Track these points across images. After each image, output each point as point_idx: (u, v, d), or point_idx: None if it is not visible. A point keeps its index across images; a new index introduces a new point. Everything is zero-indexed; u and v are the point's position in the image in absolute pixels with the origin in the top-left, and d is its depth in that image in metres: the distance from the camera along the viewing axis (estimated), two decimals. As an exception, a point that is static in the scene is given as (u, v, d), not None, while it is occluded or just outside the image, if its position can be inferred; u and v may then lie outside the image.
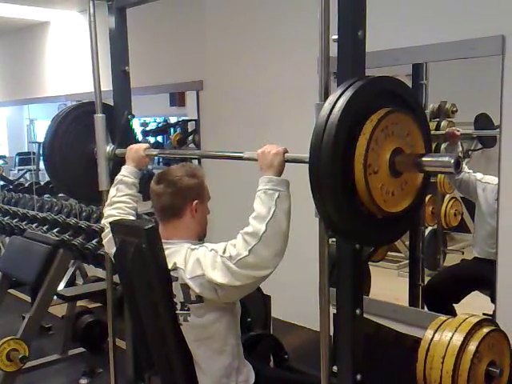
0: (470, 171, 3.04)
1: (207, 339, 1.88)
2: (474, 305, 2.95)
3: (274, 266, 1.72)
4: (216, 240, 1.87)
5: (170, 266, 1.86)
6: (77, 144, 2.47)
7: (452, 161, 1.36)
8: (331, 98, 1.36)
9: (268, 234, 1.67)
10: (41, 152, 7.14)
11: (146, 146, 2.30)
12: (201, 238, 2.06)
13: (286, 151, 1.72)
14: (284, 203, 1.69)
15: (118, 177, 2.26)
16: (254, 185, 1.77)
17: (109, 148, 2.41)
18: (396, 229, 1.53)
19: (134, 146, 2.29)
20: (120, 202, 2.17)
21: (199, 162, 4.51)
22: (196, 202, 1.96)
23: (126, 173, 2.25)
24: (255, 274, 1.72)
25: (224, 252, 1.75)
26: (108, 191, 2.34)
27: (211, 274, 1.75)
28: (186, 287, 1.83)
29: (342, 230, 1.43)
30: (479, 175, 3.01)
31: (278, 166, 1.71)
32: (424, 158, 1.43)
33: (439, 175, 3.22)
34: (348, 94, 1.34)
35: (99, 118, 2.39)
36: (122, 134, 2.45)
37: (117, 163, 2.40)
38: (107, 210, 2.23)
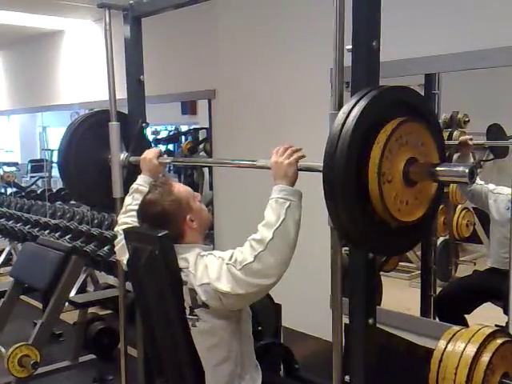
0: (482, 182, 3.02)
1: (213, 347, 1.88)
2: (486, 316, 2.93)
3: (278, 276, 1.72)
4: (225, 246, 1.87)
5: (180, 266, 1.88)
6: (91, 152, 2.49)
7: (467, 170, 1.36)
8: (345, 108, 1.37)
9: (275, 242, 1.68)
10: (55, 159, 7.20)
11: (158, 152, 2.32)
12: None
13: (299, 158, 1.73)
14: (294, 213, 1.70)
15: (134, 186, 2.29)
16: (264, 192, 1.77)
17: (123, 156, 2.43)
18: (409, 238, 1.53)
19: (147, 156, 2.31)
20: (135, 211, 2.16)
21: (210, 170, 4.53)
22: (188, 216, 1.96)
23: (142, 182, 2.28)
24: (259, 282, 1.72)
25: (230, 259, 1.76)
26: (122, 199, 2.36)
27: (216, 283, 1.76)
28: (193, 292, 1.83)
29: (355, 238, 1.43)
30: (491, 186, 3.00)
31: (292, 176, 1.72)
32: (438, 168, 1.43)
33: (451, 186, 3.21)
34: (362, 103, 1.35)
35: (114, 126, 2.42)
36: (136, 142, 2.47)
37: (131, 171, 2.42)
38: (122, 218, 2.25)
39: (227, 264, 1.75)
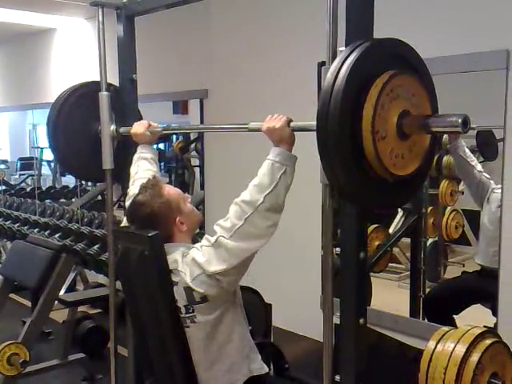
0: (489, 176, 3.02)
1: (216, 333, 1.90)
2: (474, 317, 2.95)
3: (269, 237, 1.75)
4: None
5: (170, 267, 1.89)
6: (81, 123, 2.45)
7: (460, 120, 1.33)
8: (337, 61, 1.34)
9: (265, 206, 1.70)
10: (45, 157, 7.17)
11: (146, 124, 2.30)
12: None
13: (290, 120, 1.72)
14: (288, 179, 1.71)
15: (136, 156, 2.29)
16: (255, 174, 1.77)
17: (113, 127, 2.40)
18: (406, 191, 1.52)
19: (138, 131, 2.28)
20: (142, 178, 2.13)
21: (202, 170, 4.53)
22: (178, 219, 1.96)
23: (143, 149, 2.29)
24: (251, 245, 1.75)
25: (214, 235, 1.78)
26: (112, 170, 2.37)
27: (209, 267, 1.78)
28: (189, 289, 1.84)
29: (351, 194, 1.42)
30: (493, 184, 3.00)
31: (288, 138, 1.72)
32: (431, 119, 1.41)
33: (442, 187, 3.24)
34: (353, 56, 1.32)
35: (104, 96, 2.39)
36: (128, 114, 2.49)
37: (121, 142, 2.43)
38: (132, 189, 2.19)
39: (213, 243, 1.78)
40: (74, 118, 2.43)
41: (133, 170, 2.28)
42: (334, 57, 1.49)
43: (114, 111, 2.43)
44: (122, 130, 2.39)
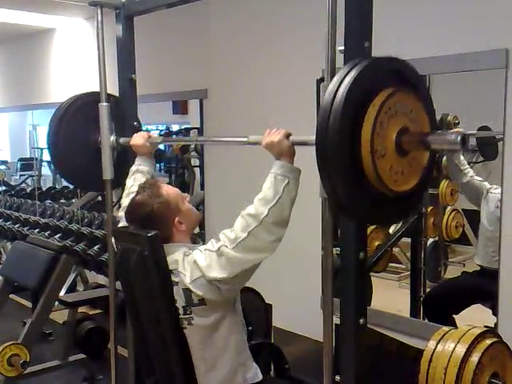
0: (480, 179, 3.03)
1: (212, 338, 1.90)
2: (474, 317, 2.95)
3: (272, 250, 1.75)
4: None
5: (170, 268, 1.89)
6: (81, 133, 2.45)
7: (458, 138, 1.34)
8: (334, 82, 1.34)
9: (269, 219, 1.70)
10: (45, 158, 7.16)
11: (146, 135, 2.31)
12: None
13: (288, 134, 1.73)
14: (292, 191, 1.71)
15: (133, 168, 2.30)
16: (255, 191, 1.77)
17: (113, 137, 2.41)
18: (405, 207, 1.52)
19: (138, 142, 2.30)
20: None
21: (202, 170, 4.53)
22: (176, 219, 1.97)
23: (140, 161, 2.30)
24: (253, 258, 1.75)
25: (218, 243, 1.79)
26: (112, 180, 2.38)
27: (210, 272, 1.78)
28: (188, 291, 1.84)
29: (351, 210, 1.42)
30: (488, 185, 3.01)
31: (288, 151, 1.72)
32: (430, 137, 1.42)
33: (441, 187, 3.24)
34: (351, 74, 1.33)
35: (104, 107, 2.39)
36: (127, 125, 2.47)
37: (121, 153, 2.42)
38: (126, 201, 2.20)
39: (216, 251, 1.78)
40: (74, 127, 2.44)
41: (129, 182, 2.29)
42: (333, 59, 1.50)
43: (113, 120, 2.44)
44: (121, 140, 2.40)
